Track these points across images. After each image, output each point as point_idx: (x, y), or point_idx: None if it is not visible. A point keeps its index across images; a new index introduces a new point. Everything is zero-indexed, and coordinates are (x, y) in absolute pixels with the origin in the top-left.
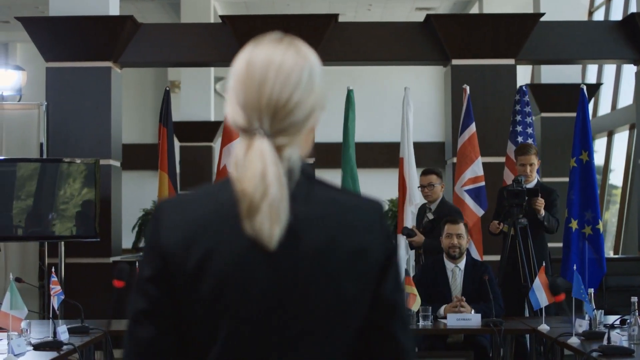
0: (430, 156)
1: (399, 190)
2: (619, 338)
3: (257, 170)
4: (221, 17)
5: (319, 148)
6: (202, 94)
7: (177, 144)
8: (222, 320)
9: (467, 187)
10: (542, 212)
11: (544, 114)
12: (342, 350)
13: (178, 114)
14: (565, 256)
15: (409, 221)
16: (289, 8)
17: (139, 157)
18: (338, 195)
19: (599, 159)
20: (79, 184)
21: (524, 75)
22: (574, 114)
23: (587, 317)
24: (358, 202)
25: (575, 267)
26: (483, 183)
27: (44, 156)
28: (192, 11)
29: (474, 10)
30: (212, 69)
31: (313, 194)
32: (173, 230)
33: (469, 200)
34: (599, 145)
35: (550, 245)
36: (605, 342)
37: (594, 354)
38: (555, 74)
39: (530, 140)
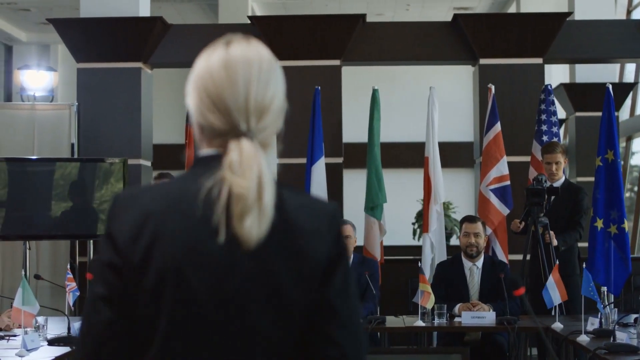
0: (464, 156)
1: (424, 190)
2: (625, 336)
3: (254, 174)
4: (249, 17)
5: (346, 148)
6: None
7: None
8: (163, 313)
9: (492, 187)
10: (554, 242)
11: (578, 114)
12: (284, 352)
13: None
14: (591, 255)
15: (434, 220)
16: (327, 8)
17: (181, 158)
18: (291, 197)
19: (638, 159)
20: (122, 184)
21: (563, 74)
22: None
23: (599, 315)
24: (309, 204)
25: (584, 265)
26: (508, 182)
27: (75, 156)
28: (229, 12)
29: (512, 9)
30: None
31: (287, 198)
32: (124, 224)
33: (494, 200)
34: (637, 145)
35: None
36: (611, 340)
37: (600, 352)
38: (591, 73)
39: (555, 140)
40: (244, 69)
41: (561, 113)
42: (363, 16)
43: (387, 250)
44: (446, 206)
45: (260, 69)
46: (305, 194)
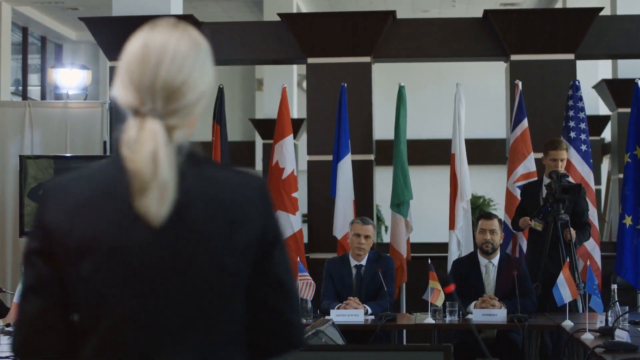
0: (504, 152)
1: (450, 187)
2: (626, 334)
3: (148, 151)
4: (279, 15)
5: (381, 145)
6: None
7: (260, 141)
8: (104, 297)
9: (519, 183)
10: (574, 239)
11: (620, 109)
12: (229, 324)
13: (261, 112)
14: (619, 252)
15: (461, 217)
16: (372, 5)
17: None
18: (221, 173)
19: None
20: None
21: (607, 69)
22: None
23: (610, 312)
24: (239, 179)
25: (588, 263)
26: (535, 179)
27: (107, 154)
28: (274, 9)
29: (558, 5)
30: (295, 66)
31: (197, 172)
32: (57, 210)
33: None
34: None
35: (604, 241)
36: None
37: (598, 349)
38: (635, 68)
39: (583, 136)
40: (158, 51)
41: (604, 109)
42: (393, 13)
43: (425, 247)
44: (487, 203)
45: (175, 52)
46: (234, 169)
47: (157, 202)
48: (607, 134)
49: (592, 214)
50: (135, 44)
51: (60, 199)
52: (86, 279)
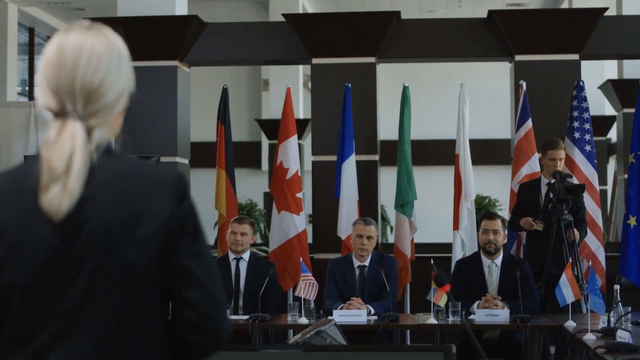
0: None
1: (455, 187)
2: (628, 335)
3: (66, 150)
4: (284, 15)
5: (386, 146)
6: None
7: (266, 141)
8: (10, 288)
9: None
10: (577, 239)
11: (625, 110)
12: (135, 317)
13: (267, 112)
14: (624, 253)
15: (465, 217)
16: (379, 5)
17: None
18: (133, 167)
19: None
20: None
21: (613, 70)
22: None
23: (612, 313)
24: (150, 172)
25: (590, 264)
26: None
27: None
28: (280, 9)
29: (564, 5)
30: (301, 66)
31: (109, 168)
32: None
33: None
34: None
35: (610, 241)
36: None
37: (599, 350)
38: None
39: (587, 136)
40: (74, 53)
41: (610, 110)
42: (398, 13)
43: (429, 247)
44: (492, 203)
45: (91, 54)
46: (148, 164)
47: (59, 198)
48: (613, 134)
49: (597, 215)
50: (50, 49)
51: None
52: None
